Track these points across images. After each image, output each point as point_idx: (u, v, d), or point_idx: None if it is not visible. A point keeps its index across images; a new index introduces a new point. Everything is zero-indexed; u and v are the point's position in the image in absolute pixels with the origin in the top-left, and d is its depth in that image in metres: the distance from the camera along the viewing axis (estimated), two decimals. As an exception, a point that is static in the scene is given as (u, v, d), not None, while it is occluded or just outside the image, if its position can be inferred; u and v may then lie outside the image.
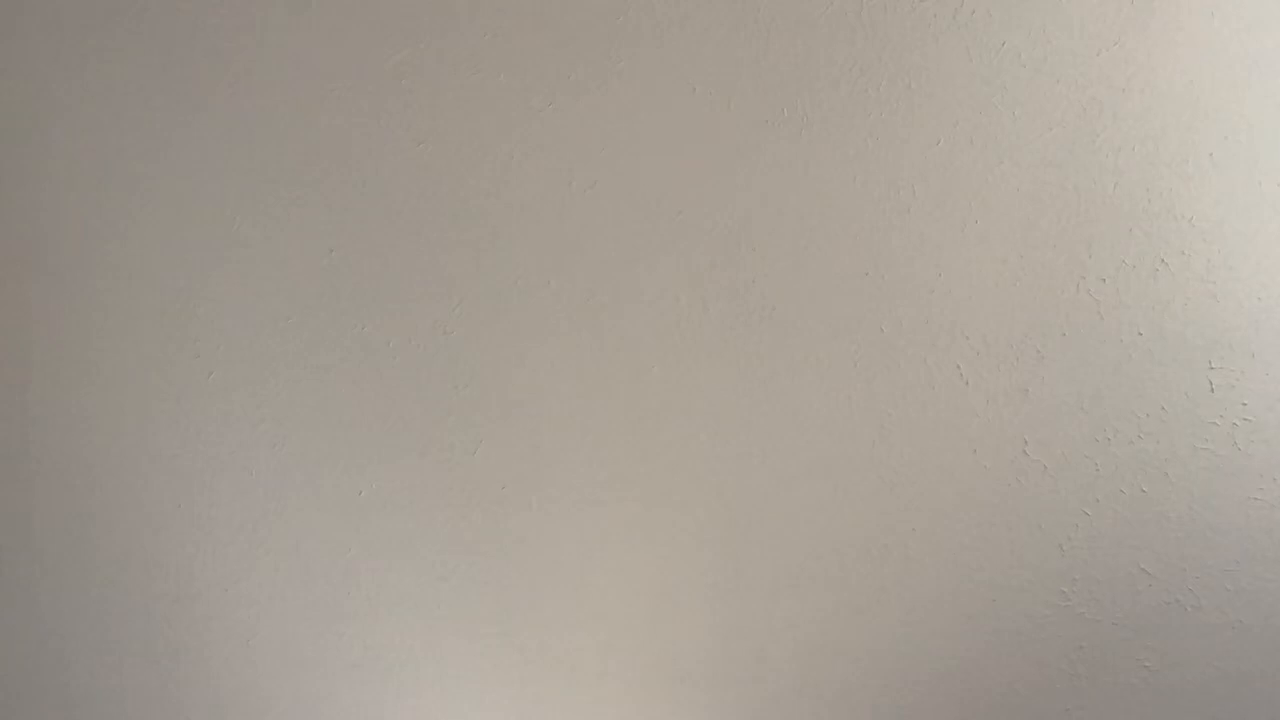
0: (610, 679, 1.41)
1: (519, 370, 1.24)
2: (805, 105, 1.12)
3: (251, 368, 1.25)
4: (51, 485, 1.29)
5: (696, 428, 1.25)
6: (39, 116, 1.16)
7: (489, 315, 1.22)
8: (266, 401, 1.26)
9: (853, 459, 1.25)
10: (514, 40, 1.10)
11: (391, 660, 1.37)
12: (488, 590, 1.36)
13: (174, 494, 1.29)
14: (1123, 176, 1.13)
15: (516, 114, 1.13)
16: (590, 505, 1.29)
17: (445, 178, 1.17)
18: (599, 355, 1.23)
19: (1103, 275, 1.17)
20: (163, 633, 1.33)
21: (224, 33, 1.12)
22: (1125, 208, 1.14)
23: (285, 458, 1.28)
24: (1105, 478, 1.25)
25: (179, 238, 1.20)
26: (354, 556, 1.31)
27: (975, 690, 1.35)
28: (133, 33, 1.12)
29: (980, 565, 1.29)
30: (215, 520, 1.30)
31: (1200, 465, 1.24)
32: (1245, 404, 1.21)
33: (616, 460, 1.27)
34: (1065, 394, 1.22)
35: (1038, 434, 1.23)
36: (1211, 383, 1.20)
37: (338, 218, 1.19)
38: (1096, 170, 1.13)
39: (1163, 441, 1.23)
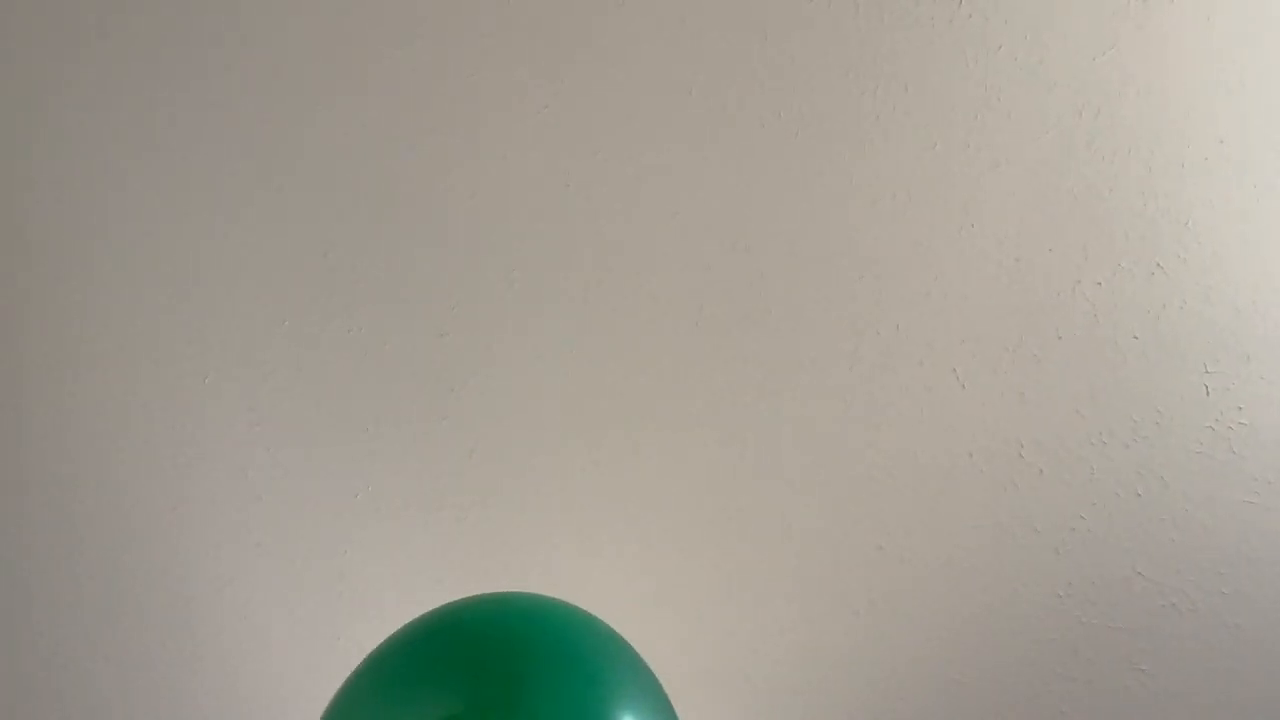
0: (605, 682, 1.40)
1: (514, 373, 1.24)
2: (801, 107, 1.12)
3: (247, 370, 1.24)
4: (46, 488, 1.28)
5: (691, 431, 1.25)
6: (33, 117, 1.16)
7: (484, 317, 1.22)
8: (262, 403, 1.26)
9: (848, 461, 1.25)
10: (511, 40, 1.10)
11: (386, 662, 1.37)
12: (483, 592, 1.35)
13: (169, 497, 1.28)
14: (1118, 180, 1.13)
15: (513, 114, 1.13)
16: (584, 508, 1.29)
17: (441, 179, 1.17)
18: (594, 357, 1.23)
19: (1098, 278, 1.17)
20: (158, 635, 1.33)
21: (220, 32, 1.11)
22: (1121, 211, 1.14)
23: (280, 460, 1.27)
24: (1101, 481, 1.25)
25: (173, 239, 1.20)
26: (349, 559, 1.31)
27: (970, 693, 1.35)
28: (128, 30, 1.12)
29: (975, 568, 1.29)
30: (210, 522, 1.29)
31: (1195, 468, 1.24)
32: (1241, 408, 1.21)
33: (611, 463, 1.27)
34: (1061, 397, 1.22)
35: (1033, 437, 1.23)
36: (1207, 386, 1.20)
37: (333, 219, 1.18)
38: (1092, 174, 1.13)
39: (1158, 445, 1.23)
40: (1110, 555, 1.28)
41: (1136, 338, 1.19)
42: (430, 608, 1.35)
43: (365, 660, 0.76)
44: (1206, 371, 1.20)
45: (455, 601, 0.79)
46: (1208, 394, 1.21)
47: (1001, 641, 1.32)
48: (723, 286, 1.19)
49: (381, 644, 0.77)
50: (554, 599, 0.79)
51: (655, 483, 1.28)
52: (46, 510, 1.29)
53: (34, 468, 1.28)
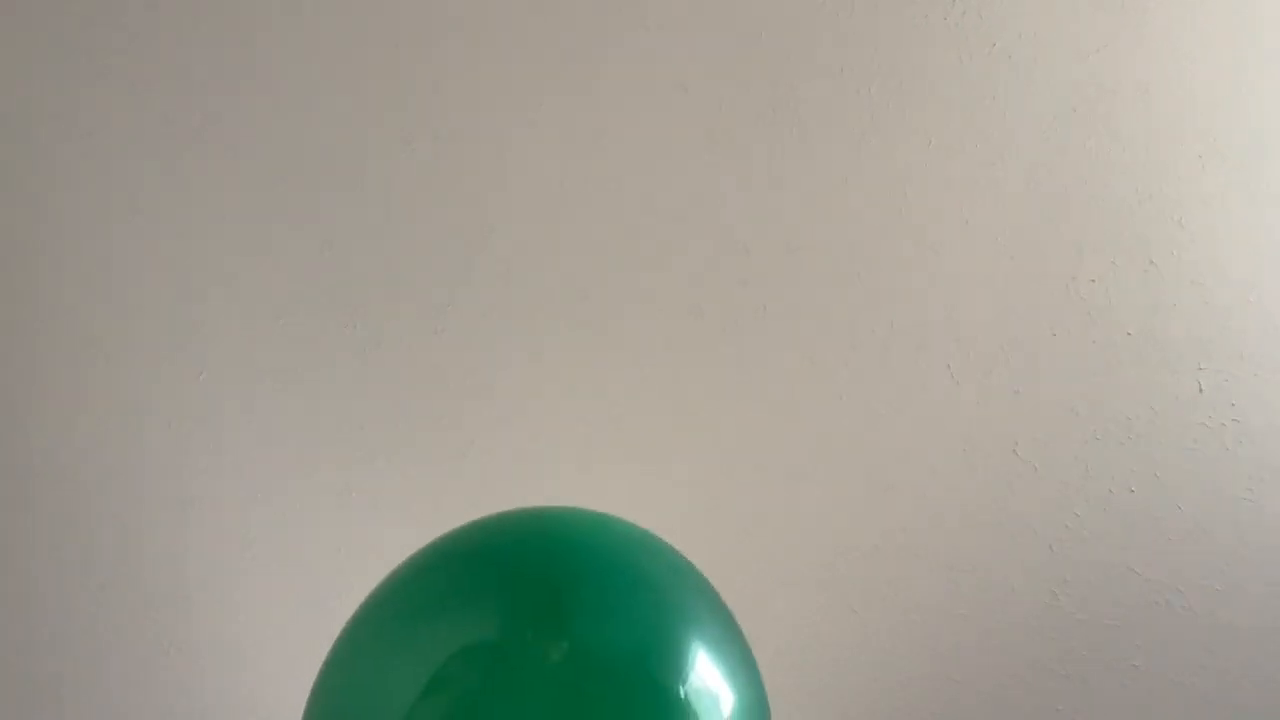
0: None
1: (510, 371, 1.24)
2: (796, 106, 1.12)
3: (242, 367, 1.24)
4: (40, 486, 1.28)
5: (687, 429, 1.25)
6: (32, 115, 1.16)
7: (480, 316, 1.22)
8: (257, 401, 1.25)
9: (843, 459, 1.26)
10: (506, 40, 1.10)
11: (383, 661, 1.37)
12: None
13: (163, 494, 1.28)
14: (1112, 178, 1.14)
15: (509, 114, 1.13)
16: (582, 508, 1.29)
17: (436, 177, 1.17)
18: (591, 356, 1.23)
19: (1092, 276, 1.18)
20: (153, 634, 1.32)
21: (218, 30, 1.11)
22: (1115, 209, 1.15)
23: (275, 457, 1.27)
24: (1095, 478, 1.25)
25: (168, 237, 1.20)
26: (344, 557, 1.31)
27: (965, 690, 1.35)
28: (127, 28, 1.11)
29: (970, 565, 1.29)
30: (205, 521, 1.29)
31: (1189, 466, 1.24)
32: (1234, 405, 1.21)
33: (607, 461, 1.27)
34: (1055, 395, 1.22)
35: (1028, 434, 1.24)
36: (1200, 384, 1.21)
37: (330, 217, 1.18)
38: (1086, 172, 1.14)
39: (1152, 442, 1.23)
40: (1105, 552, 1.28)
41: (1130, 335, 1.20)
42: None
43: (382, 583, 0.65)
44: (1200, 369, 1.21)
45: (485, 517, 0.65)
46: (1201, 391, 1.21)
47: (996, 639, 1.32)
48: (719, 285, 1.20)
49: (400, 565, 0.66)
50: (602, 513, 0.65)
51: (653, 483, 1.28)
52: (44, 510, 1.29)
53: (31, 467, 1.27)
